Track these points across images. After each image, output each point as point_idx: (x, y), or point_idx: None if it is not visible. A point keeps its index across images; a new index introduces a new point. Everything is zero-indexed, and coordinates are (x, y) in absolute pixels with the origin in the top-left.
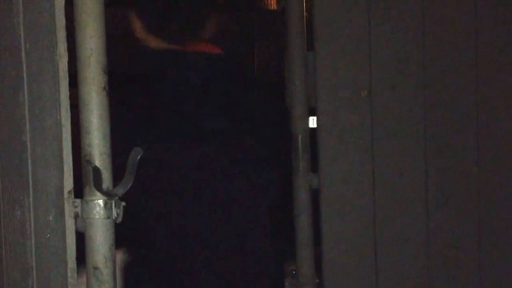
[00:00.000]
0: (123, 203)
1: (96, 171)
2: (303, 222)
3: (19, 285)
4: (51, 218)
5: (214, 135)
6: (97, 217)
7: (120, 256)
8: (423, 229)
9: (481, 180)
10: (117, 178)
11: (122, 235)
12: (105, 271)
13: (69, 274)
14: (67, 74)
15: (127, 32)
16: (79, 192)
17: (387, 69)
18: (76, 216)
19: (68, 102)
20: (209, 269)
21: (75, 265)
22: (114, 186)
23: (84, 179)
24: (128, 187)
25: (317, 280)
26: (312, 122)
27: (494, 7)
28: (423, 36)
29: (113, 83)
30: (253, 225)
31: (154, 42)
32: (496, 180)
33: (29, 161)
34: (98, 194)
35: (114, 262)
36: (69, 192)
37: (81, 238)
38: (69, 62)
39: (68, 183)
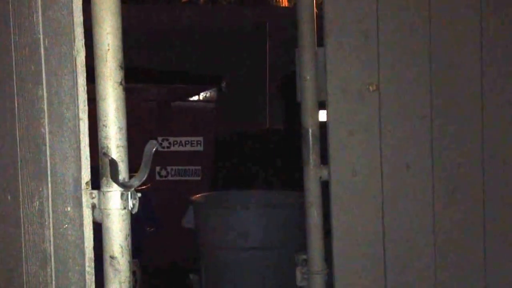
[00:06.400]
0: (139, 194)
1: (113, 163)
2: (314, 213)
3: (38, 273)
4: (69, 208)
5: None
6: (114, 207)
7: None
8: (429, 219)
9: (486, 171)
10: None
11: None
12: (122, 260)
13: (86, 263)
14: (84, 69)
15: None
16: (96, 183)
17: (394, 64)
18: (93, 207)
19: (86, 96)
20: None
21: (92, 255)
22: (130, 177)
23: (101, 171)
24: (144, 178)
25: (327, 269)
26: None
27: (499, 5)
28: (430, 32)
29: None
30: None
31: None
32: (500, 171)
33: (48, 153)
34: (115, 185)
35: (130, 251)
36: (86, 183)
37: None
38: (86, 58)
39: (86, 174)
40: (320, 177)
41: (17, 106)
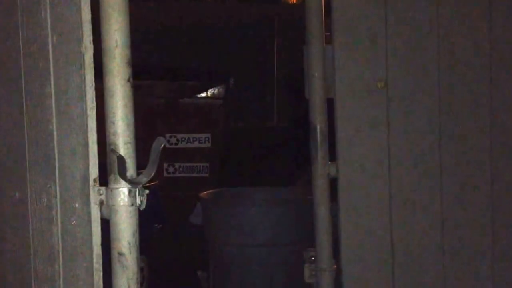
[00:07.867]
0: (147, 191)
1: (121, 159)
2: (322, 209)
3: (45, 270)
4: (77, 205)
5: None
6: (122, 204)
7: None
8: (438, 216)
9: (495, 168)
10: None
11: None
12: (129, 257)
13: (94, 260)
14: (92, 66)
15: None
16: (104, 180)
17: (403, 61)
18: (101, 204)
19: (94, 93)
20: None
21: (100, 251)
22: (138, 174)
23: (109, 168)
24: (152, 175)
25: (335, 266)
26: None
27: (508, 1)
28: (438, 28)
29: None
30: None
31: None
32: (509, 168)
33: (56, 150)
34: (123, 182)
35: (137, 248)
36: (94, 180)
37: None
38: (94, 55)
39: (94, 171)
40: (328, 174)
41: (25, 103)
